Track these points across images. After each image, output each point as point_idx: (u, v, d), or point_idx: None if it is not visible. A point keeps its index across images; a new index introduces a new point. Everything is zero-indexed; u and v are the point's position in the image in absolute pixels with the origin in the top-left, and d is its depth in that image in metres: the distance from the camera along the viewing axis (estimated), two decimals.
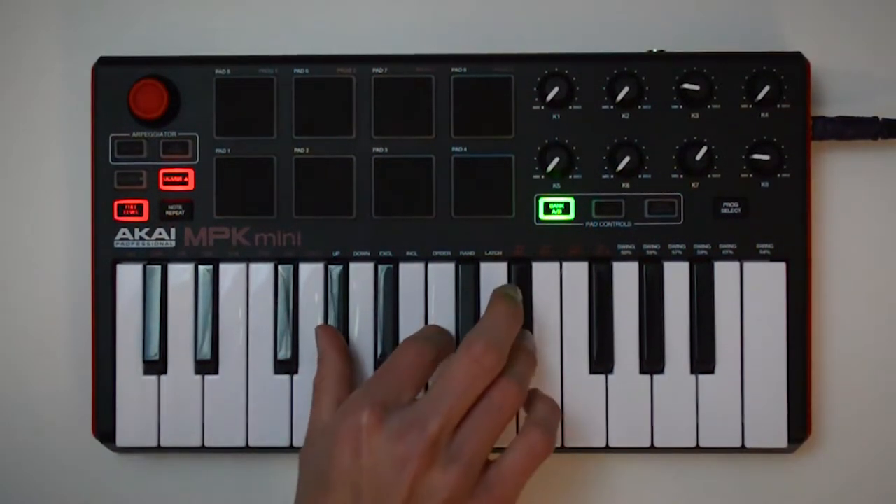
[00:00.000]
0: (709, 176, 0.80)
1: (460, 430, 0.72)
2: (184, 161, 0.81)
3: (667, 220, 0.80)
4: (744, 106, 0.80)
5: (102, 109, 0.81)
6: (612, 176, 0.80)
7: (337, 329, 0.80)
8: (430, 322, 0.80)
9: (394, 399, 0.72)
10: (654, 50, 0.82)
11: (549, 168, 0.80)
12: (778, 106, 0.80)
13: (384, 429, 0.71)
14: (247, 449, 0.80)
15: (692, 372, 0.80)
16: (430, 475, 0.70)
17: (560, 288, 0.80)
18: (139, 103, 0.80)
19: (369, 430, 0.71)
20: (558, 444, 0.79)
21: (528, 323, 0.80)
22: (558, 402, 0.79)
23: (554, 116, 0.81)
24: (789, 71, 0.80)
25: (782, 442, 0.80)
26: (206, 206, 0.81)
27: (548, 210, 0.81)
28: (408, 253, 0.81)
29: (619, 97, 0.80)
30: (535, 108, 0.81)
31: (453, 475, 0.70)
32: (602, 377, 0.80)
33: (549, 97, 0.80)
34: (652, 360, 0.80)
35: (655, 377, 0.80)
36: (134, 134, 0.81)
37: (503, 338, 0.74)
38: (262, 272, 0.81)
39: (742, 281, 0.80)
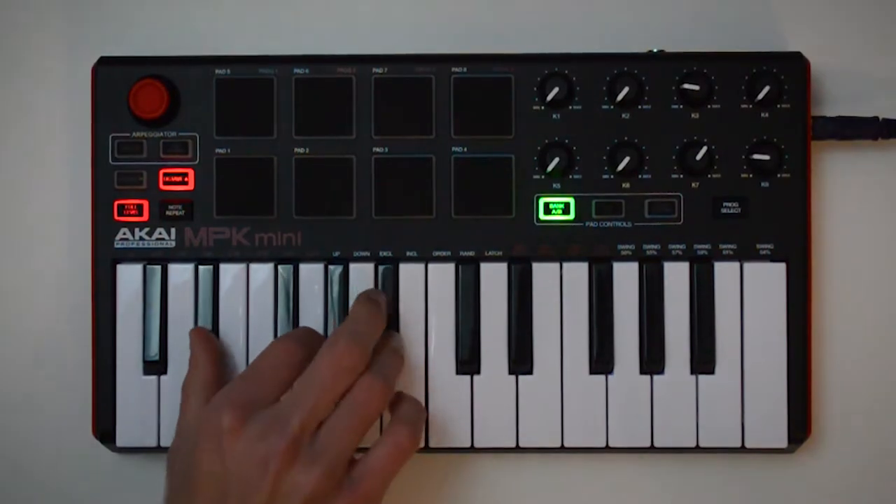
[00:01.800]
0: (709, 176, 0.80)
1: (323, 428, 0.72)
2: (184, 161, 0.81)
3: (667, 220, 0.80)
4: (744, 106, 0.80)
5: (102, 109, 0.81)
6: (612, 176, 0.80)
7: (210, 332, 0.80)
8: (431, 322, 0.80)
9: (257, 399, 0.73)
10: (654, 50, 0.82)
11: (549, 168, 0.80)
12: (778, 106, 0.80)
13: (245, 430, 0.71)
14: None
15: (692, 372, 0.80)
16: (292, 473, 0.71)
17: (560, 288, 0.80)
18: (139, 103, 0.80)
19: (230, 431, 0.71)
20: (558, 444, 0.80)
21: (528, 323, 0.80)
22: (558, 402, 0.80)
23: (554, 116, 0.81)
24: (789, 71, 0.80)
25: (782, 442, 0.80)
26: (206, 206, 0.81)
27: (548, 210, 0.81)
28: (408, 253, 0.81)
29: (619, 97, 0.80)
30: (535, 108, 0.81)
31: (316, 473, 0.71)
32: (602, 377, 0.80)
33: (549, 97, 0.80)
34: (652, 360, 0.80)
35: (655, 377, 0.80)
36: (134, 134, 0.81)
37: (365, 336, 0.74)
38: (262, 272, 0.81)
39: (742, 281, 0.80)
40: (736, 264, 0.80)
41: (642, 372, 0.80)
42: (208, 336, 0.79)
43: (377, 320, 0.76)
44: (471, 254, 0.81)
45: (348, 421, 0.72)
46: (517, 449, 0.80)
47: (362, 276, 0.80)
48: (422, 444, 0.78)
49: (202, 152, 0.81)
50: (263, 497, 0.70)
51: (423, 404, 0.78)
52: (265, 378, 0.74)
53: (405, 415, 0.74)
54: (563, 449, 0.80)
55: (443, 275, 0.80)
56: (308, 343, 0.76)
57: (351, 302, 0.80)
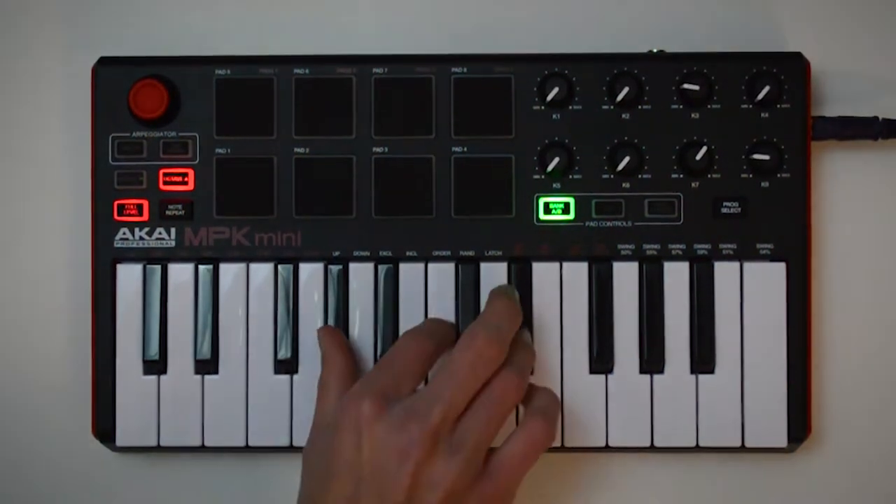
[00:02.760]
0: (709, 176, 0.80)
1: (462, 421, 0.72)
2: (184, 161, 0.81)
3: (667, 219, 0.80)
4: (744, 106, 0.80)
5: (102, 109, 0.81)
6: (612, 176, 0.80)
7: (337, 328, 0.80)
8: None
9: (394, 390, 0.73)
10: (654, 50, 0.82)
11: (549, 168, 0.80)
12: (778, 106, 0.80)
13: (385, 419, 0.71)
14: (246, 449, 0.80)
15: (692, 372, 0.80)
16: (432, 465, 0.71)
17: (560, 288, 0.80)
18: (139, 103, 0.80)
19: (370, 420, 0.71)
20: (558, 444, 0.80)
21: (528, 323, 0.80)
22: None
23: (554, 116, 0.81)
24: (789, 71, 0.80)
25: (782, 441, 0.80)
26: (206, 206, 0.81)
27: (548, 210, 0.81)
28: (408, 253, 0.81)
29: (619, 97, 0.80)
30: (535, 108, 0.81)
31: (455, 465, 0.71)
32: (602, 377, 0.80)
33: (549, 97, 0.80)
34: (652, 359, 0.80)
35: (655, 377, 0.80)
36: (134, 134, 0.81)
37: (504, 331, 0.74)
38: (262, 272, 0.81)
39: (742, 281, 0.80)
40: (736, 264, 0.80)
41: (642, 371, 0.80)
42: (336, 331, 0.79)
43: (515, 315, 0.76)
44: (471, 253, 0.81)
45: (486, 414, 0.72)
46: None
47: (362, 275, 0.80)
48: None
49: (202, 152, 0.81)
50: (403, 488, 0.70)
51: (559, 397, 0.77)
52: (402, 370, 0.74)
53: (540, 407, 0.74)
54: (563, 448, 0.80)
55: (443, 275, 0.80)
56: (437, 335, 0.76)
57: (352, 301, 0.80)
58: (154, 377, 0.80)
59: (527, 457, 0.73)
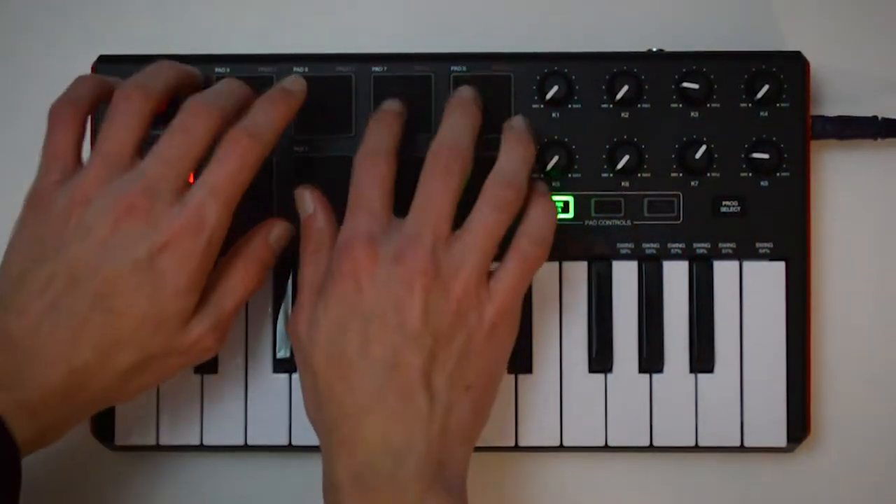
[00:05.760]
0: (708, 175, 0.80)
1: (459, 237, 0.73)
2: None
3: (666, 218, 0.80)
4: (743, 105, 0.80)
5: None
6: (611, 175, 0.80)
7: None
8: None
9: (378, 226, 0.73)
10: (654, 49, 0.82)
11: (549, 167, 0.80)
12: (777, 105, 0.80)
13: (380, 258, 0.72)
14: (245, 448, 0.80)
15: (691, 371, 0.80)
16: (438, 285, 0.71)
17: (559, 287, 0.80)
18: None
19: (366, 264, 0.71)
20: (557, 443, 0.79)
21: (527, 322, 0.80)
22: (557, 400, 0.79)
23: (553, 115, 0.81)
24: (789, 70, 0.80)
25: (781, 441, 0.80)
26: None
27: None
28: None
29: (619, 96, 0.80)
30: (534, 106, 0.81)
31: (459, 283, 0.72)
32: (601, 376, 0.80)
33: (549, 96, 0.80)
34: (651, 359, 0.80)
35: (654, 376, 0.80)
36: None
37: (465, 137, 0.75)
38: None
39: (741, 280, 0.80)
40: (735, 263, 0.80)
41: (641, 371, 0.80)
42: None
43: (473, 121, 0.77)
44: None
45: (482, 227, 0.73)
46: (516, 448, 0.80)
47: None
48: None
49: None
50: (416, 315, 0.71)
51: (552, 214, 0.76)
52: (375, 205, 0.73)
53: (529, 229, 0.74)
54: (561, 448, 0.80)
55: None
56: (388, 153, 0.75)
57: None
58: None
59: (521, 278, 0.73)
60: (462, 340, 0.72)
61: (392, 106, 0.78)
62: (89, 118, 0.75)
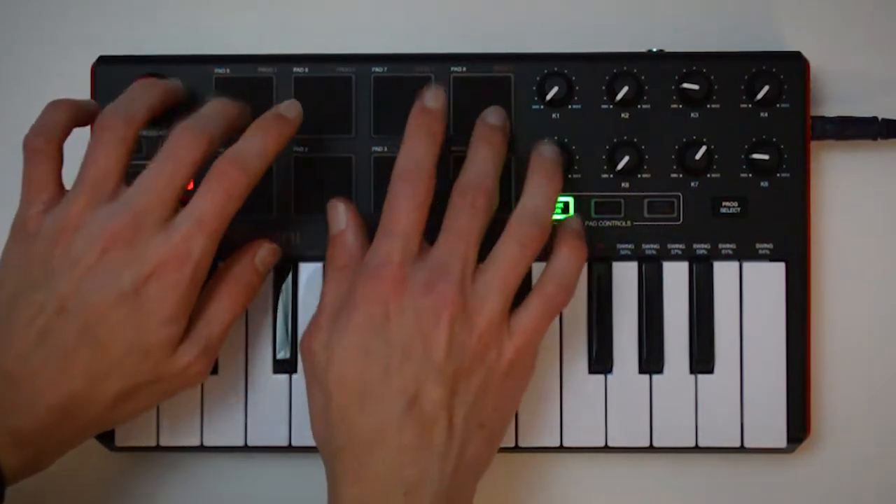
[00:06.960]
0: (708, 175, 0.80)
1: (481, 272, 0.72)
2: None
3: (666, 219, 0.80)
4: (743, 105, 0.80)
5: (102, 108, 0.81)
6: (611, 175, 0.80)
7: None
8: None
9: (409, 254, 0.72)
10: (654, 50, 0.82)
11: None
12: (777, 105, 0.80)
13: (408, 287, 0.71)
14: (245, 448, 0.80)
15: (691, 372, 0.80)
16: (464, 318, 0.71)
17: None
18: None
19: (395, 292, 0.71)
20: (557, 444, 0.79)
21: None
22: (557, 401, 0.79)
23: (553, 116, 0.81)
24: (789, 70, 0.80)
25: (781, 442, 0.80)
26: None
27: None
28: None
29: (619, 97, 0.80)
30: (534, 107, 0.81)
31: (485, 315, 0.71)
32: (601, 377, 0.80)
33: (549, 97, 0.80)
34: (651, 359, 0.80)
35: (654, 377, 0.80)
36: None
37: (491, 175, 0.74)
38: None
39: (741, 281, 0.80)
40: (735, 264, 0.80)
41: (641, 371, 0.80)
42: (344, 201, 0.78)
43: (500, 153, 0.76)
44: None
45: (507, 260, 0.72)
46: (516, 448, 0.80)
47: None
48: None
49: None
50: (442, 345, 0.70)
51: (582, 259, 0.75)
52: (406, 231, 0.73)
53: (556, 269, 0.74)
54: (561, 448, 0.80)
55: None
56: (422, 178, 0.74)
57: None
58: None
59: (543, 319, 0.73)
60: (481, 377, 0.72)
61: (435, 103, 0.76)
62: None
